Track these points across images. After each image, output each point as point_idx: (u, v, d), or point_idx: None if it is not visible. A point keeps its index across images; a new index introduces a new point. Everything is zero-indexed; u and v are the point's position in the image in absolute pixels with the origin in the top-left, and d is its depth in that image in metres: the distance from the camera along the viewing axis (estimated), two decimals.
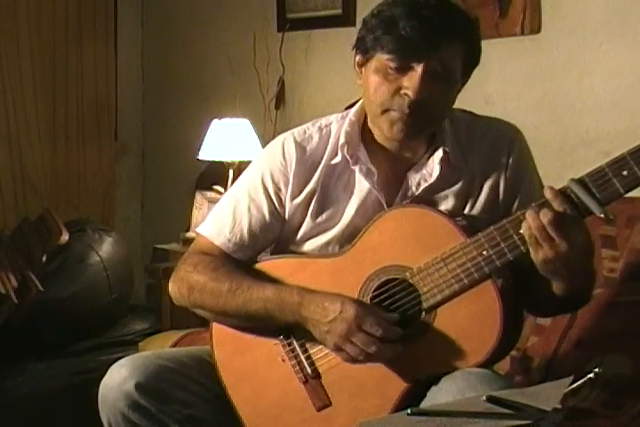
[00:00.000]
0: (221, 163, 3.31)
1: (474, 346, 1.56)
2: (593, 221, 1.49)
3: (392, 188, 1.72)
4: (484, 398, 1.26)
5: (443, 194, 1.70)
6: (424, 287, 1.60)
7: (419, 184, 1.70)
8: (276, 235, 1.79)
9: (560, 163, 2.65)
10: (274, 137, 1.84)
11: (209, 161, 3.43)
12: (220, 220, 1.80)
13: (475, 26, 1.68)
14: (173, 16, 4.04)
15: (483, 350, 1.55)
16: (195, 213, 3.40)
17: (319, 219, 1.74)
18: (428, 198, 1.69)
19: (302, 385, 1.71)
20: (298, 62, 3.46)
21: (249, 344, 1.76)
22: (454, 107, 1.76)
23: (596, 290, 2.05)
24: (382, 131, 1.67)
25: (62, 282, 3.11)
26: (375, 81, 1.63)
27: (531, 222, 1.47)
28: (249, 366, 1.76)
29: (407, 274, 1.62)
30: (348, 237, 1.71)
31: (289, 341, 1.73)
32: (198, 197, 3.42)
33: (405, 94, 1.59)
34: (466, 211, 1.70)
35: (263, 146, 1.88)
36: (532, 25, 2.71)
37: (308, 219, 1.75)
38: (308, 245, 1.76)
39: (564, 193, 1.47)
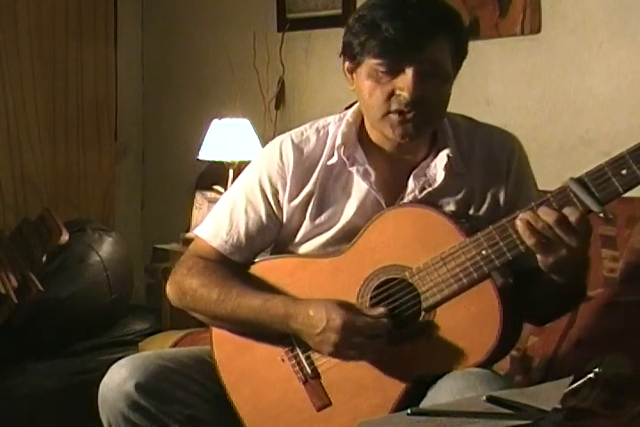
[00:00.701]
0: (221, 163, 3.31)
1: (473, 346, 1.56)
2: (593, 221, 1.49)
3: (392, 190, 1.72)
4: (484, 398, 1.26)
5: (445, 200, 1.70)
6: (423, 287, 1.60)
7: (423, 188, 1.70)
8: (273, 237, 1.80)
9: (560, 163, 2.65)
10: (274, 137, 1.84)
11: (209, 161, 3.43)
12: (217, 222, 1.80)
13: (458, 17, 1.66)
14: (173, 16, 4.04)
15: (482, 349, 1.55)
16: (195, 213, 3.40)
17: (318, 220, 1.74)
18: (431, 203, 1.69)
19: (302, 385, 1.71)
20: (298, 62, 3.46)
21: (249, 344, 1.76)
22: (455, 112, 1.77)
23: (596, 290, 2.06)
24: (385, 134, 1.66)
25: (62, 282, 3.11)
26: (368, 86, 1.63)
27: (533, 223, 1.47)
28: (249, 366, 1.76)
29: (406, 274, 1.62)
30: (348, 238, 1.71)
31: (289, 341, 1.73)
32: (198, 197, 3.42)
33: (400, 95, 1.59)
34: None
35: (263, 146, 1.88)
36: (532, 25, 2.71)
37: (306, 220, 1.75)
38: (308, 247, 1.76)
39: (563, 192, 1.47)
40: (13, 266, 2.98)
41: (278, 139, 1.80)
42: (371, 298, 1.65)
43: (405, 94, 1.58)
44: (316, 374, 1.70)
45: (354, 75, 1.67)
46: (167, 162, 4.11)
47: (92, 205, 4.03)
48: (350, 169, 1.72)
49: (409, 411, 1.28)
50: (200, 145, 3.36)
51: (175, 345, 2.48)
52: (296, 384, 1.71)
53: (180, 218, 3.62)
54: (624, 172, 1.42)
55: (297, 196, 1.75)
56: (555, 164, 2.62)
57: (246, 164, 1.87)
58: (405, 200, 1.70)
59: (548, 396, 1.26)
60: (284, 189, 1.75)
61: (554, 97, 2.70)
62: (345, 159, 1.72)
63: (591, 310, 2.05)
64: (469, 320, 1.57)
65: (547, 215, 1.46)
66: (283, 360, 1.73)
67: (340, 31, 1.70)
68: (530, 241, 1.47)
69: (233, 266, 1.78)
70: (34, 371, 2.98)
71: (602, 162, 1.45)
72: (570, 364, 2.05)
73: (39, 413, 2.91)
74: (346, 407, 1.66)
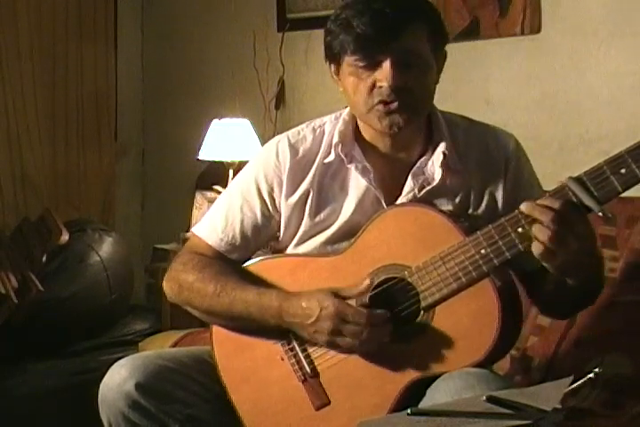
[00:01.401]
0: (221, 163, 3.31)
1: (472, 345, 1.56)
2: (593, 221, 1.49)
3: (390, 188, 1.72)
4: (484, 398, 1.26)
5: (444, 199, 1.70)
6: (422, 286, 1.60)
7: (422, 187, 1.70)
8: (269, 235, 1.81)
9: (560, 162, 2.65)
10: (274, 137, 1.84)
11: (209, 161, 3.43)
12: (213, 220, 1.82)
13: (428, 3, 1.68)
14: (173, 16, 4.04)
15: (481, 348, 1.55)
16: (195, 213, 3.40)
17: (317, 218, 1.75)
18: (430, 202, 1.69)
19: (301, 384, 1.71)
20: (298, 62, 3.46)
21: (249, 343, 1.77)
22: (455, 112, 1.77)
23: (602, 291, 2.06)
24: (374, 128, 1.68)
25: (62, 282, 3.11)
26: (352, 83, 1.65)
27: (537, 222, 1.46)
28: (248, 365, 1.77)
29: (405, 273, 1.62)
30: (348, 235, 1.71)
31: (288, 340, 1.73)
32: (198, 197, 3.42)
33: (382, 87, 1.61)
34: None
35: (263, 146, 1.89)
36: (532, 25, 2.71)
37: (306, 218, 1.75)
38: (308, 245, 1.76)
39: (561, 191, 1.47)
40: (13, 266, 2.98)
41: (275, 138, 1.81)
42: (370, 297, 1.65)
43: (385, 85, 1.60)
44: (315, 373, 1.70)
45: (339, 76, 1.69)
46: (167, 162, 4.11)
47: (92, 205, 4.03)
48: (349, 166, 1.72)
49: (409, 411, 1.28)
50: (200, 145, 3.36)
51: (175, 345, 2.49)
52: (295, 383, 1.71)
53: (179, 218, 3.62)
54: (623, 171, 1.42)
55: (293, 194, 1.75)
56: (555, 164, 2.62)
57: (246, 164, 1.87)
58: (404, 199, 1.70)
59: (548, 396, 1.26)
60: (280, 188, 1.76)
61: (554, 97, 2.70)
62: (343, 156, 1.72)
63: (591, 310, 2.04)
64: (468, 320, 1.57)
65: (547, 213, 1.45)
66: (282, 359, 1.73)
67: None
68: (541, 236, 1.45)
69: (228, 262, 1.79)
70: (34, 371, 2.98)
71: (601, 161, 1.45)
72: (570, 364, 2.05)
73: (39, 413, 2.91)
74: (345, 406, 1.66)
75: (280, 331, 1.72)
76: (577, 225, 1.44)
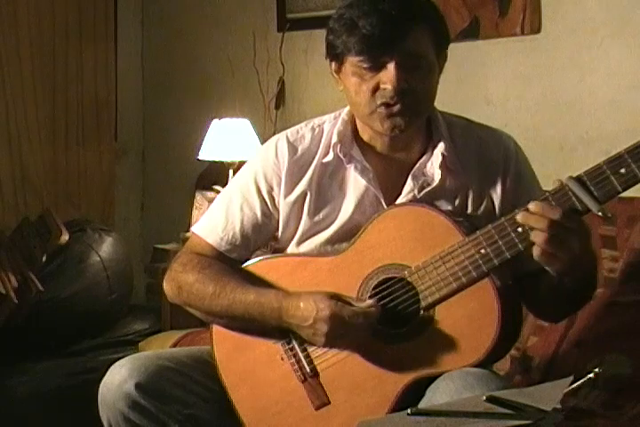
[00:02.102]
0: (221, 163, 3.31)
1: (472, 344, 1.56)
2: (593, 221, 1.49)
3: (390, 188, 1.72)
4: (484, 398, 1.26)
5: (443, 199, 1.70)
6: (422, 286, 1.60)
7: (422, 188, 1.70)
8: (268, 234, 1.81)
9: (560, 163, 2.65)
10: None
11: (209, 161, 3.43)
12: (213, 219, 1.82)
13: (432, 5, 1.68)
14: (173, 16, 4.04)
15: (481, 348, 1.55)
16: (195, 213, 3.40)
17: (316, 217, 1.75)
18: (430, 202, 1.69)
19: (301, 384, 1.71)
20: (298, 62, 3.46)
21: (249, 343, 1.77)
22: (455, 112, 1.77)
23: (596, 290, 2.06)
24: (375, 129, 1.68)
25: (62, 282, 3.11)
26: (354, 83, 1.64)
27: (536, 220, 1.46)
28: (248, 364, 1.77)
29: (405, 273, 1.62)
30: (348, 235, 1.72)
31: (288, 339, 1.73)
32: (198, 197, 3.42)
33: (385, 89, 1.61)
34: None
35: (262, 145, 1.89)
36: (532, 25, 2.71)
37: (305, 218, 1.75)
38: (308, 245, 1.76)
39: (561, 190, 1.47)
40: (13, 266, 2.98)
41: (274, 138, 1.82)
42: (370, 297, 1.65)
43: (389, 87, 1.60)
44: (314, 373, 1.70)
45: (340, 75, 1.69)
46: (167, 162, 4.11)
47: (92, 205, 4.02)
48: (348, 166, 1.73)
49: (409, 411, 1.28)
50: (200, 145, 3.36)
51: (175, 345, 2.49)
52: (295, 383, 1.71)
53: (179, 218, 3.62)
54: (623, 170, 1.42)
55: (291, 193, 1.75)
56: (555, 164, 2.62)
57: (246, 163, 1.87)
58: (404, 199, 1.70)
59: (548, 396, 1.26)
60: (279, 186, 1.76)
61: (554, 97, 2.70)
62: (341, 156, 1.72)
63: (591, 311, 2.05)
64: (468, 319, 1.57)
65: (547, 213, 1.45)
66: (282, 359, 1.73)
67: None
68: (537, 239, 1.46)
69: (228, 262, 1.79)
70: (34, 371, 2.98)
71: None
72: (570, 364, 2.05)
73: (39, 413, 2.91)
74: (344, 406, 1.67)
75: (280, 331, 1.72)
76: (572, 228, 1.45)
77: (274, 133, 3.14)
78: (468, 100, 2.81)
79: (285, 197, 1.76)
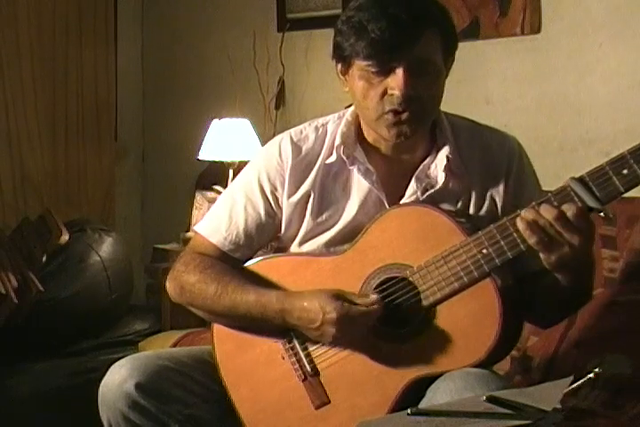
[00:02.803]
0: (221, 163, 3.31)
1: (473, 345, 1.56)
2: (593, 221, 1.48)
3: (394, 189, 1.72)
4: (484, 398, 1.26)
5: (446, 201, 1.70)
6: (424, 285, 1.60)
7: (425, 190, 1.70)
8: (271, 234, 1.80)
9: (560, 163, 2.65)
10: (274, 137, 1.84)
11: (209, 161, 3.43)
12: (216, 218, 1.82)
13: (443, 9, 1.65)
14: (173, 16, 4.04)
15: (482, 348, 1.55)
16: (195, 213, 3.40)
17: (319, 218, 1.75)
18: (432, 202, 1.69)
19: (301, 383, 1.71)
20: (298, 62, 3.46)
21: (249, 342, 1.77)
22: (455, 112, 1.77)
23: (596, 290, 2.06)
24: (381, 134, 1.67)
25: (62, 282, 3.11)
26: (362, 87, 1.63)
27: (535, 221, 1.46)
28: (249, 364, 1.77)
29: (407, 272, 1.62)
30: (350, 236, 1.71)
31: (289, 339, 1.73)
32: (198, 197, 3.42)
33: (393, 95, 1.60)
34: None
35: (263, 146, 1.89)
36: (532, 25, 2.71)
37: (308, 218, 1.75)
38: (310, 245, 1.76)
39: (564, 191, 1.47)
40: (13, 266, 2.98)
41: (278, 137, 1.81)
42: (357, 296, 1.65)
43: (397, 93, 1.59)
44: (315, 372, 1.70)
45: (347, 76, 1.67)
46: (167, 162, 4.11)
47: (92, 205, 4.02)
48: (351, 168, 1.72)
49: (409, 411, 1.28)
50: (200, 145, 3.36)
51: (175, 345, 2.48)
52: (295, 382, 1.71)
53: (179, 218, 3.62)
54: (625, 171, 1.42)
55: (295, 193, 1.75)
56: (555, 164, 2.62)
57: (246, 164, 1.87)
58: (407, 201, 1.70)
59: (548, 396, 1.26)
60: (283, 187, 1.76)
61: (554, 97, 2.70)
62: (345, 158, 1.72)
63: (591, 311, 2.05)
64: (469, 319, 1.57)
65: (548, 213, 1.45)
66: (283, 358, 1.73)
67: None
68: (532, 240, 1.47)
69: (231, 262, 1.79)
70: (34, 371, 2.98)
71: (602, 162, 1.45)
72: (570, 364, 2.05)
73: (39, 413, 2.91)
74: (344, 406, 1.67)
75: (281, 330, 1.72)
76: (576, 228, 1.45)
77: (274, 133, 3.15)
78: (468, 100, 2.81)
79: (289, 197, 1.75)
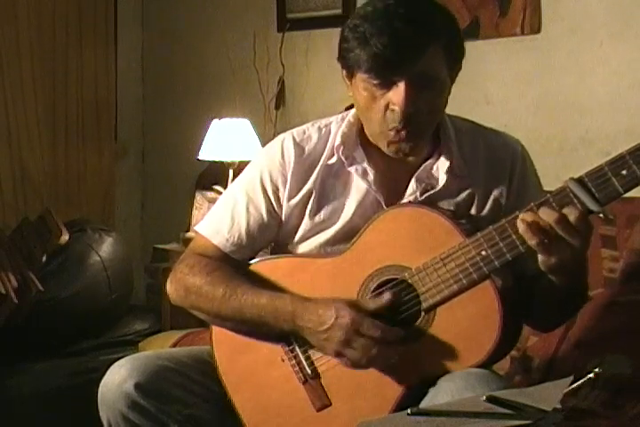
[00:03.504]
0: (221, 163, 3.31)
1: (473, 346, 1.56)
2: (593, 221, 1.48)
3: (393, 190, 1.72)
4: (484, 398, 1.26)
5: (446, 202, 1.70)
6: (423, 288, 1.59)
7: (425, 191, 1.70)
8: (273, 235, 1.79)
9: (560, 163, 2.65)
10: (274, 137, 1.84)
11: (209, 161, 3.43)
12: (218, 219, 1.81)
13: (449, 21, 1.62)
14: (173, 17, 4.04)
15: (482, 350, 1.55)
16: (195, 213, 3.40)
17: (317, 218, 1.74)
18: (431, 203, 1.69)
19: (302, 385, 1.71)
20: (298, 62, 3.46)
21: (249, 345, 1.76)
22: (455, 112, 1.76)
23: (596, 290, 2.06)
24: (380, 146, 1.67)
25: (62, 282, 3.11)
26: (365, 98, 1.62)
27: (534, 223, 1.46)
28: (249, 366, 1.76)
29: (406, 274, 1.61)
30: (347, 237, 1.71)
31: (289, 341, 1.72)
32: (198, 197, 3.42)
33: (394, 111, 1.59)
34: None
35: (263, 146, 1.88)
36: (532, 25, 2.71)
37: (306, 218, 1.75)
38: (307, 245, 1.76)
39: (563, 192, 1.47)
40: (13, 266, 2.98)
41: (280, 137, 1.80)
42: (370, 299, 1.65)
43: (397, 109, 1.58)
44: (315, 375, 1.70)
45: (352, 82, 1.66)
46: (167, 162, 4.11)
47: (91, 205, 4.03)
48: (349, 169, 1.72)
49: (409, 411, 1.28)
50: (200, 145, 3.36)
51: (175, 345, 2.48)
52: (296, 384, 1.71)
53: (179, 218, 3.63)
54: (624, 172, 1.41)
55: (297, 194, 1.75)
56: (555, 164, 2.62)
57: (246, 164, 1.87)
58: (406, 201, 1.70)
59: (548, 396, 1.26)
60: (285, 187, 1.75)
61: (554, 97, 2.70)
62: (343, 159, 1.72)
63: (591, 311, 2.05)
64: (469, 321, 1.56)
65: (547, 215, 1.45)
66: (283, 360, 1.73)
67: None
68: (532, 241, 1.46)
69: (234, 264, 1.78)
70: (34, 371, 2.98)
71: (602, 162, 1.45)
72: (570, 364, 2.05)
73: (39, 413, 2.91)
74: (345, 408, 1.66)
75: (282, 333, 1.71)
76: (576, 230, 1.44)
77: (274, 133, 3.15)
78: (468, 100, 2.81)
79: (290, 197, 1.75)
